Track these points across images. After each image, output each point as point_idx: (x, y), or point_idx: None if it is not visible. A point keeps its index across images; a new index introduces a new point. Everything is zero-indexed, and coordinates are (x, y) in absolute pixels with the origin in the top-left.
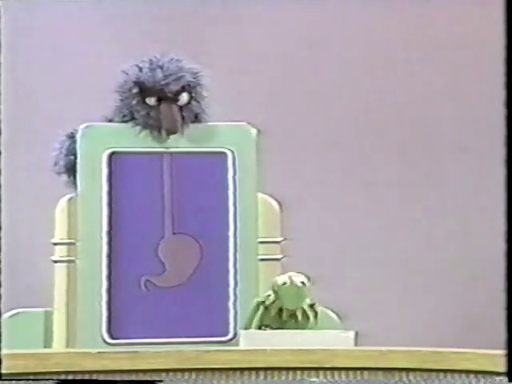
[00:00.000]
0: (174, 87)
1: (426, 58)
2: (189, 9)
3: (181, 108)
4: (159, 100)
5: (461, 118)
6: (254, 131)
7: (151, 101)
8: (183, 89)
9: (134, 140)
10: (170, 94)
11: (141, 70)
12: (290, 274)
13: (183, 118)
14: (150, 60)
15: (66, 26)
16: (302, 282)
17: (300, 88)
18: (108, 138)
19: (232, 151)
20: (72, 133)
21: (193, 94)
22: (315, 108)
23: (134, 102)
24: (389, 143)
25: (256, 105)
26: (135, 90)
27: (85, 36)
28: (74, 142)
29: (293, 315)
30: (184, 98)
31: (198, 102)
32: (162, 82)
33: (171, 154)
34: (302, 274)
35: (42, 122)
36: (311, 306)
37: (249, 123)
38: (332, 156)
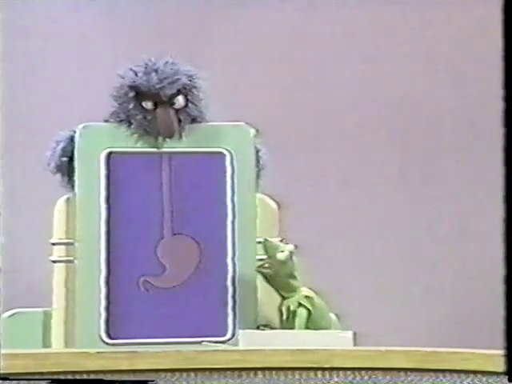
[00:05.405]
0: (170, 91)
1: (426, 57)
2: (188, 9)
3: (177, 111)
4: (155, 104)
5: (461, 117)
6: (252, 131)
7: (147, 105)
8: (179, 92)
9: (132, 140)
10: (165, 98)
11: (136, 74)
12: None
13: (180, 121)
14: (145, 64)
15: (65, 26)
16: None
17: (300, 88)
18: (106, 138)
19: (230, 151)
20: (70, 135)
21: (189, 97)
22: (315, 108)
23: (130, 106)
24: (389, 143)
25: (255, 105)
26: (131, 95)
27: (84, 36)
28: (70, 143)
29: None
30: (180, 101)
31: (194, 104)
32: (157, 86)
33: (169, 154)
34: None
35: (42, 122)
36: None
37: (247, 123)
38: (331, 156)
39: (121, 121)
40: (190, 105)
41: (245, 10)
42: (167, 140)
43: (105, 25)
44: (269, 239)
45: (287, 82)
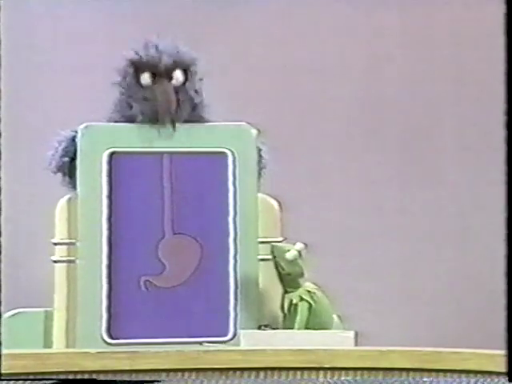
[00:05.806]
0: (167, 61)
1: (426, 57)
2: (188, 8)
3: (176, 91)
4: (154, 77)
5: (461, 117)
6: (253, 131)
7: (145, 77)
8: (176, 65)
9: (134, 140)
10: (163, 68)
11: (137, 52)
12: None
13: (178, 100)
14: (146, 42)
15: (67, 25)
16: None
17: (300, 88)
18: (108, 137)
19: (232, 151)
20: (72, 135)
21: (188, 75)
22: (315, 108)
23: (129, 82)
24: (389, 143)
25: (256, 105)
26: (130, 70)
27: (85, 35)
28: (71, 144)
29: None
30: (178, 75)
31: (193, 84)
32: (155, 56)
33: (171, 153)
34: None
35: (42, 122)
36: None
37: (249, 123)
38: (331, 156)
39: (123, 108)
40: (188, 84)
41: (246, 8)
42: (168, 131)
43: (106, 24)
44: (275, 244)
45: (288, 81)
